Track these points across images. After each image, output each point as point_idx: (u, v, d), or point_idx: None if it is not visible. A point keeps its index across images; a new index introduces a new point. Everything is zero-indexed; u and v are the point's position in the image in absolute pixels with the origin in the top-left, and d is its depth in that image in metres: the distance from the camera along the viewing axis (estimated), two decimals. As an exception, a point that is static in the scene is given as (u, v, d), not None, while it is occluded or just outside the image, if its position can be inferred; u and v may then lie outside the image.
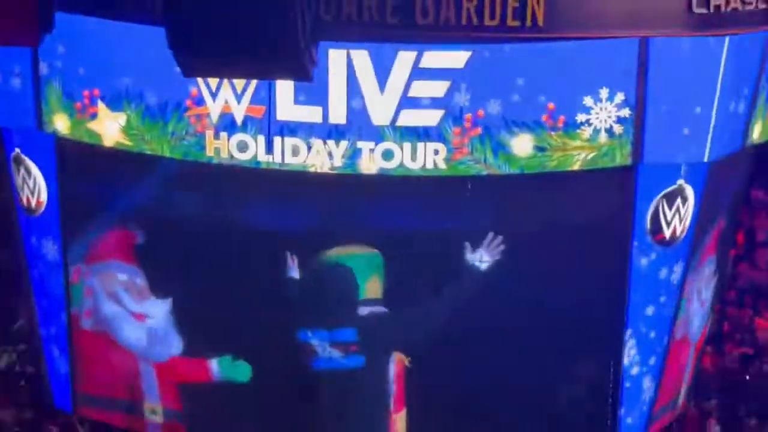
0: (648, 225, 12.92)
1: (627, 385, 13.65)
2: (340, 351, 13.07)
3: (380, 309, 12.90)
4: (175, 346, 13.39)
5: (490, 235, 12.67)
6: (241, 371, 13.25)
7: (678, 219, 12.94)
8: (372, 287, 12.91)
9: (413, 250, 12.74)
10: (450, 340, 13.13)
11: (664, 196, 12.82)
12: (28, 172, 13.65)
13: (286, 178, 12.24)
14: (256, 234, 12.81)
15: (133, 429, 14.02)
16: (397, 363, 13.15)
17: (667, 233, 12.97)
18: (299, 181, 12.26)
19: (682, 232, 13.05)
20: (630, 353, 13.50)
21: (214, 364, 13.31)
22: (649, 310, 13.37)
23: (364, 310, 12.91)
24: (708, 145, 12.46)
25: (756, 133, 13.22)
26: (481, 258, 12.72)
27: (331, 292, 12.92)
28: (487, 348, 13.19)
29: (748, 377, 28.17)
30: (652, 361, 13.73)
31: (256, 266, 13.00)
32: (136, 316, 13.46)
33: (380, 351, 13.08)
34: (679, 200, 12.87)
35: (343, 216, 12.65)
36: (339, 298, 12.95)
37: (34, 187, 13.67)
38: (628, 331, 13.35)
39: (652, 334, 13.53)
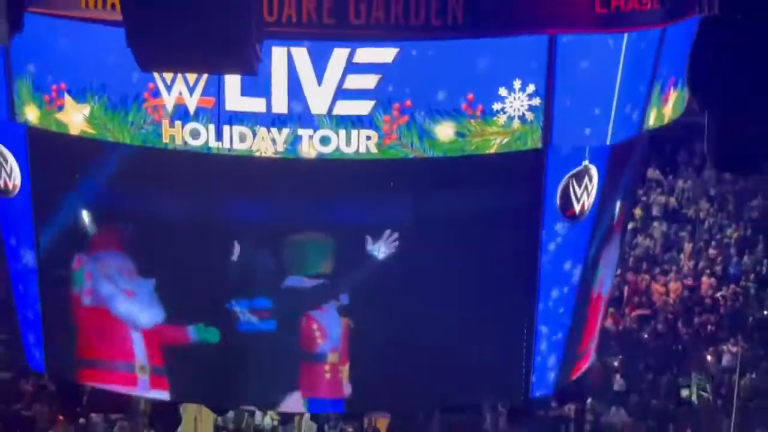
0: (558, 201, 12.98)
1: (541, 337, 13.76)
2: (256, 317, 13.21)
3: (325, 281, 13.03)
4: (158, 315, 13.48)
5: (388, 231, 12.74)
6: (212, 334, 13.39)
7: (586, 195, 13.01)
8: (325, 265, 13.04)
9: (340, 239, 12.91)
10: (379, 305, 13.26)
11: (573, 175, 12.88)
12: (4, 158, 13.53)
13: (238, 175, 12.38)
14: (208, 223, 12.89)
15: (126, 384, 14.25)
16: (343, 325, 13.20)
17: (577, 208, 13.05)
18: (252, 176, 12.35)
19: (588, 207, 13.12)
20: (543, 309, 13.59)
21: (191, 330, 13.41)
22: (559, 271, 13.45)
23: (308, 283, 12.98)
24: (610, 130, 12.52)
25: (651, 120, 13.29)
26: (380, 249, 12.83)
27: (256, 271, 13.12)
28: (412, 309, 13.31)
29: (645, 336, 28.42)
30: (564, 315, 13.83)
31: (210, 251, 13.10)
32: (126, 292, 13.54)
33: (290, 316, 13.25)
34: (586, 179, 12.94)
35: (291, 210, 12.74)
36: (262, 275, 13.14)
37: (10, 171, 13.56)
38: (541, 292, 13.43)
39: (563, 291, 13.62)
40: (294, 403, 13.90)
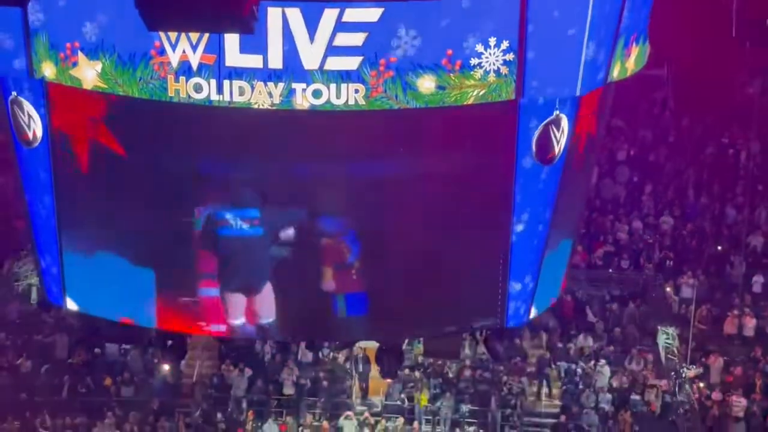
0: (534, 147, 13.02)
1: (516, 271, 13.87)
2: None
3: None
4: None
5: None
6: None
7: (556, 142, 13.06)
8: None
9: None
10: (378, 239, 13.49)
11: (549, 123, 12.92)
12: (25, 110, 13.51)
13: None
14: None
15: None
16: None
17: (557, 151, 13.11)
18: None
19: (559, 151, 13.18)
20: (518, 245, 13.68)
21: None
22: (532, 210, 13.51)
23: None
24: (579, 82, 12.57)
25: (615, 72, 13.32)
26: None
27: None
28: (402, 245, 13.47)
29: (610, 270, 28.61)
30: (537, 250, 13.92)
31: None
32: None
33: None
34: (553, 127, 12.97)
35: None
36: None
37: (30, 122, 13.55)
38: (516, 227, 13.50)
39: (536, 228, 13.68)
40: None
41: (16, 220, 26.27)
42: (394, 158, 12.96)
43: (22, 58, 12.75)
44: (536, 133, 12.96)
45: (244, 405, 25.55)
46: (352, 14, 11.71)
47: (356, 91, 12.00)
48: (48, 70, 12.63)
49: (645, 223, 29.86)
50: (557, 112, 12.92)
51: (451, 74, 12.06)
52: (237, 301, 13.72)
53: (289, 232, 13.30)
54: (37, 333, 26.55)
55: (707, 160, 31.64)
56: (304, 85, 11.96)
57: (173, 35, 11.95)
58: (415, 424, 25.22)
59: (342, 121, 12.24)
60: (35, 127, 13.49)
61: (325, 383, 25.93)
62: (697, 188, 30.84)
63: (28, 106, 13.42)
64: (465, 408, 25.40)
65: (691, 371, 25.77)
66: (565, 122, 13.06)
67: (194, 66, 12.05)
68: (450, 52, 11.96)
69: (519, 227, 13.57)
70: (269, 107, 12.07)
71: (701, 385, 25.67)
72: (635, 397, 25.46)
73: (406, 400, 25.64)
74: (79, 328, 25.82)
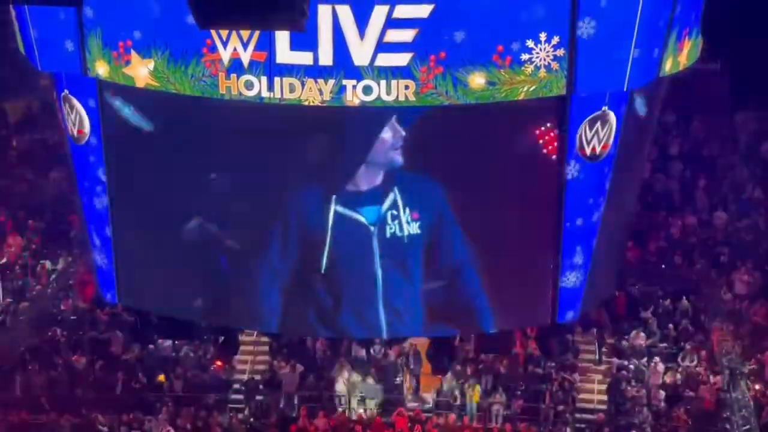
0: (577, 143, 13.00)
1: (567, 267, 13.84)
2: None
3: None
4: None
5: None
6: None
7: (596, 140, 13.00)
8: None
9: None
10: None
11: (589, 120, 12.88)
12: (74, 108, 13.67)
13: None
14: None
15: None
16: None
17: (588, 150, 13.05)
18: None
19: (605, 149, 13.10)
20: (569, 241, 13.68)
21: None
22: (583, 206, 13.48)
23: None
24: (627, 76, 12.51)
25: (667, 67, 13.25)
26: None
27: None
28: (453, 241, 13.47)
29: (663, 266, 28.39)
30: (589, 246, 13.88)
31: None
32: None
33: None
34: (598, 123, 12.93)
35: None
36: None
37: (76, 120, 13.71)
38: (567, 223, 13.49)
39: (588, 223, 13.65)
40: None
41: (71, 216, 26.53)
42: (450, 155, 12.99)
43: (76, 57, 12.89)
44: (579, 129, 12.93)
45: (296, 401, 25.62)
46: (403, 11, 11.74)
47: (406, 87, 12.03)
48: (101, 69, 12.77)
49: (698, 219, 29.62)
50: (605, 107, 12.88)
51: (502, 70, 12.06)
52: None
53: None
54: (92, 329, 26.75)
55: (762, 155, 31.33)
56: (354, 82, 12.01)
57: (224, 33, 12.05)
58: (467, 420, 25.19)
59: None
60: (84, 125, 13.65)
61: (376, 379, 25.95)
62: (752, 183, 30.55)
63: (77, 104, 13.58)
64: (517, 404, 25.34)
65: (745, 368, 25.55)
66: (612, 118, 13.00)
67: (245, 63, 12.13)
68: (500, 47, 11.96)
69: (569, 224, 13.55)
70: (320, 104, 12.12)
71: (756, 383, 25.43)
72: (689, 393, 25.27)
73: (458, 397, 25.60)
74: (133, 325, 26.07)
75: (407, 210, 13.12)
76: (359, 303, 13.76)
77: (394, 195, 13.09)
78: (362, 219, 13.21)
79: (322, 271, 13.49)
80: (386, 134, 12.78)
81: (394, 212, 13.16)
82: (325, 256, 13.36)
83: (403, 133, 12.79)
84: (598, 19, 12.10)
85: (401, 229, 13.22)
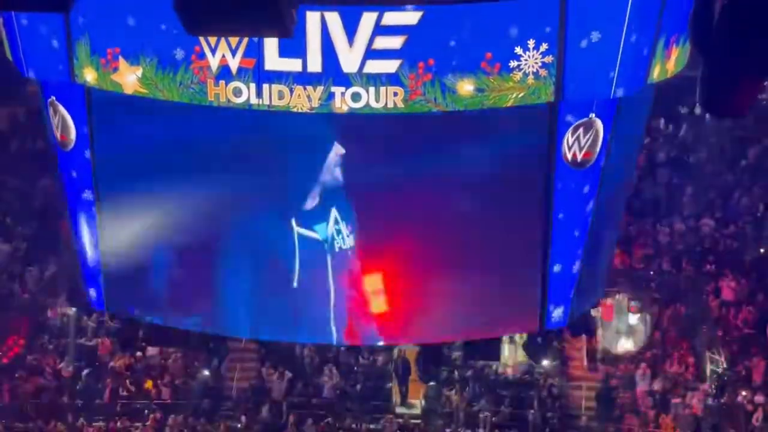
0: (563, 149, 13.00)
1: (556, 273, 13.82)
2: None
3: None
4: None
5: None
6: None
7: (578, 146, 12.99)
8: None
9: None
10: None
11: (573, 126, 12.87)
12: (61, 115, 13.64)
13: None
14: None
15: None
16: None
17: (569, 156, 13.04)
18: None
19: (585, 156, 13.08)
20: (557, 248, 13.66)
21: None
22: (571, 213, 13.47)
23: None
24: (614, 85, 12.50)
25: (655, 74, 13.24)
26: None
27: None
28: (440, 246, 13.53)
29: (651, 273, 28.43)
30: (577, 253, 13.87)
31: None
32: None
33: None
34: (581, 130, 12.92)
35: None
36: None
37: (59, 124, 13.69)
38: (554, 231, 13.47)
39: (575, 231, 13.62)
40: None
41: (59, 223, 26.47)
42: (434, 160, 12.97)
43: (64, 64, 12.84)
44: (565, 136, 12.92)
45: (284, 408, 25.59)
46: (391, 18, 11.71)
47: (395, 94, 12.01)
48: (89, 76, 12.72)
49: (686, 225, 29.65)
50: (592, 114, 12.87)
51: (490, 77, 12.04)
52: None
53: None
54: (80, 336, 26.70)
55: (747, 162, 31.39)
56: (343, 89, 11.98)
57: (213, 39, 12.01)
58: (454, 426, 25.19)
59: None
60: (68, 131, 13.61)
61: (364, 386, 25.93)
62: (739, 190, 30.60)
63: (62, 110, 13.55)
64: (505, 410, 25.33)
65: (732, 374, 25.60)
66: (599, 125, 12.98)
67: (233, 70, 12.09)
68: (489, 54, 11.94)
69: (557, 231, 13.53)
70: (308, 111, 12.10)
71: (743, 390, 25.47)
72: (676, 400, 25.30)
73: (446, 403, 25.60)
74: (121, 332, 26.03)
75: (346, 224, 13.23)
76: (316, 313, 13.82)
77: (335, 211, 13.24)
78: (317, 236, 13.29)
79: (294, 285, 13.57)
80: (331, 153, 12.90)
81: (338, 227, 13.25)
82: (296, 271, 13.46)
83: (343, 151, 12.87)
84: (586, 27, 12.08)
85: (345, 242, 13.33)
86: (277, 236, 13.41)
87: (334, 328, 13.88)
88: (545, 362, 26.00)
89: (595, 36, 12.14)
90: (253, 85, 12.08)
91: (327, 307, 13.73)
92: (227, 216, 13.48)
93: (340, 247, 13.43)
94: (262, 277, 13.78)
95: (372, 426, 25.05)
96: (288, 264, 13.50)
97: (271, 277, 13.74)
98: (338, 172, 13.02)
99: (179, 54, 12.13)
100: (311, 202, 13.22)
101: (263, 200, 13.34)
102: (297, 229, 13.32)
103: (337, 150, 12.92)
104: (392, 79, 11.94)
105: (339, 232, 13.34)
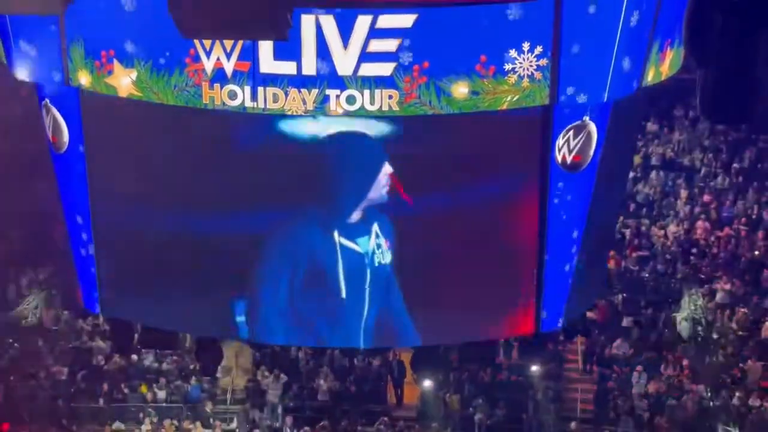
0: (555, 152, 13.01)
1: (550, 276, 13.82)
2: None
3: None
4: None
5: None
6: None
7: (567, 149, 13.00)
8: None
9: None
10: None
11: (571, 128, 12.88)
12: (53, 116, 13.64)
13: None
14: None
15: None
16: None
17: (559, 158, 13.04)
18: None
19: (575, 159, 13.07)
20: (552, 250, 13.65)
21: None
22: (566, 216, 13.46)
23: None
24: (608, 86, 12.50)
25: (649, 77, 13.23)
26: None
27: None
28: (433, 248, 13.54)
29: (646, 275, 28.47)
30: (572, 255, 13.87)
31: None
32: None
33: None
34: (571, 133, 12.93)
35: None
36: None
37: (51, 125, 13.69)
38: (548, 232, 13.47)
39: (571, 234, 13.64)
40: None
41: (54, 226, 26.41)
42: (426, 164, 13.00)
43: (58, 67, 12.81)
44: (558, 138, 12.93)
45: (280, 411, 25.59)
46: (386, 21, 11.69)
47: (390, 96, 12.00)
48: (83, 79, 12.69)
49: (680, 228, 29.71)
50: (586, 117, 12.87)
51: (485, 79, 12.03)
52: None
53: None
54: (74, 339, 26.68)
55: (742, 165, 31.46)
56: (338, 92, 11.95)
57: (207, 42, 11.99)
58: (449, 429, 25.20)
59: None
60: (61, 133, 13.62)
61: (360, 389, 25.95)
62: (732, 193, 30.68)
63: (56, 112, 13.55)
64: (500, 413, 25.35)
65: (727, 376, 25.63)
66: (592, 128, 12.97)
67: (228, 73, 12.07)
68: (484, 57, 11.93)
69: (552, 234, 13.53)
70: (303, 113, 12.09)
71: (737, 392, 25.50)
72: (672, 402, 25.32)
73: (442, 406, 25.61)
74: (115, 335, 25.97)
75: (384, 239, 13.27)
76: (353, 322, 13.85)
77: (377, 226, 13.31)
78: (359, 249, 13.32)
79: (343, 296, 13.65)
80: (381, 172, 12.97)
81: (378, 242, 13.29)
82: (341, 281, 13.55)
83: (392, 170, 12.94)
84: (581, 30, 12.08)
85: (384, 257, 13.38)
86: (319, 246, 13.45)
87: (362, 334, 13.94)
88: (541, 365, 25.99)
89: (590, 39, 12.15)
90: (248, 88, 12.06)
91: (361, 317, 13.78)
92: (259, 223, 13.45)
93: (379, 262, 13.48)
94: (303, 285, 13.75)
95: (367, 429, 25.03)
96: (333, 274, 13.53)
97: (315, 286, 13.74)
98: (385, 191, 13.06)
99: (174, 57, 12.11)
100: (356, 216, 13.26)
101: (307, 210, 13.38)
102: (340, 240, 13.36)
103: (386, 170, 12.96)
104: (387, 82, 11.93)
105: (379, 246, 13.38)
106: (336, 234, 13.34)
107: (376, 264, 13.46)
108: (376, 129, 12.60)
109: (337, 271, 13.51)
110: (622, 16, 12.10)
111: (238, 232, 13.45)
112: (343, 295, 13.59)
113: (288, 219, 13.40)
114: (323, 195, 13.27)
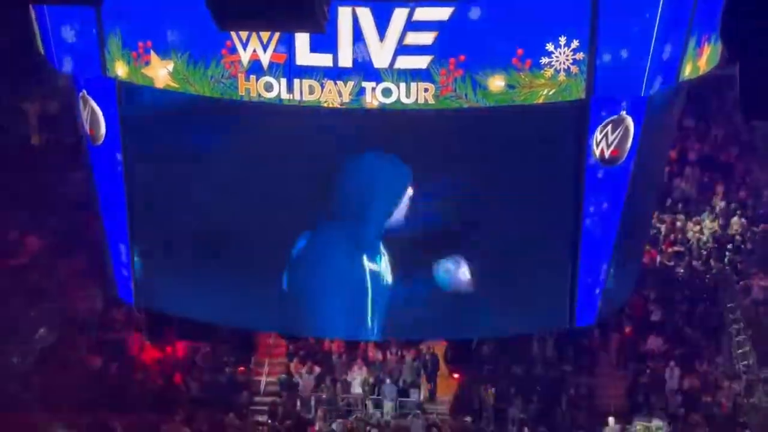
0: (593, 146, 12.97)
1: (585, 271, 13.80)
2: None
3: None
4: None
5: None
6: None
7: (605, 143, 12.96)
8: None
9: None
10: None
11: (603, 123, 12.85)
12: (91, 108, 13.69)
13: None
14: None
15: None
16: None
17: (597, 153, 13.01)
18: None
19: (613, 154, 13.04)
20: (587, 245, 13.63)
21: None
22: (601, 210, 13.43)
23: None
24: (645, 82, 12.45)
25: (687, 72, 13.18)
26: None
27: None
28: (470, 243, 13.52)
29: (681, 271, 28.34)
30: (607, 251, 13.84)
31: None
32: None
33: None
34: (609, 127, 12.89)
35: None
36: None
37: (89, 118, 13.74)
38: (585, 228, 13.45)
39: (605, 228, 13.60)
40: None
41: (88, 216, 26.56)
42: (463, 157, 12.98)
43: (95, 58, 12.88)
44: (595, 133, 12.89)
45: (312, 403, 25.62)
46: (423, 13, 11.70)
47: (426, 89, 11.99)
48: (120, 70, 12.75)
49: (716, 223, 29.56)
50: (623, 112, 12.83)
51: (521, 73, 12.01)
52: None
53: None
54: (108, 330, 26.80)
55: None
56: (374, 84, 11.97)
57: (244, 34, 12.02)
58: (483, 423, 25.16)
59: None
60: (98, 125, 13.67)
61: (393, 382, 25.94)
62: (769, 188, 30.54)
63: (93, 104, 13.60)
64: (534, 407, 25.29)
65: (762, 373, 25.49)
66: (629, 123, 12.94)
67: (265, 65, 12.10)
68: (520, 51, 11.91)
69: (587, 229, 13.49)
70: (339, 106, 12.10)
71: None
72: (706, 398, 25.20)
73: (475, 399, 25.58)
74: (149, 326, 26.11)
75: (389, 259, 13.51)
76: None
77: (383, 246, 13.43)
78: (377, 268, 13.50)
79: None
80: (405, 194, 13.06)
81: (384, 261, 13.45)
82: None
83: (412, 192, 13.03)
84: (618, 25, 12.04)
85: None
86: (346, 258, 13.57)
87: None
88: (574, 360, 25.93)
89: (627, 34, 12.11)
90: (284, 80, 12.09)
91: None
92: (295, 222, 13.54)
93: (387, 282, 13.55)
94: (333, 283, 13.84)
95: (400, 422, 25.02)
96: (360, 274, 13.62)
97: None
98: (404, 212, 13.13)
99: (210, 49, 12.15)
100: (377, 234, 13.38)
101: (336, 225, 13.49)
102: (368, 265, 13.46)
103: (409, 192, 13.05)
104: (423, 74, 11.93)
105: (387, 266, 13.51)
106: (365, 258, 13.44)
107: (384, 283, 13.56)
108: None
109: (363, 273, 13.56)
110: (659, 11, 12.05)
111: (276, 227, 13.47)
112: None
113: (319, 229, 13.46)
114: (355, 215, 13.33)
